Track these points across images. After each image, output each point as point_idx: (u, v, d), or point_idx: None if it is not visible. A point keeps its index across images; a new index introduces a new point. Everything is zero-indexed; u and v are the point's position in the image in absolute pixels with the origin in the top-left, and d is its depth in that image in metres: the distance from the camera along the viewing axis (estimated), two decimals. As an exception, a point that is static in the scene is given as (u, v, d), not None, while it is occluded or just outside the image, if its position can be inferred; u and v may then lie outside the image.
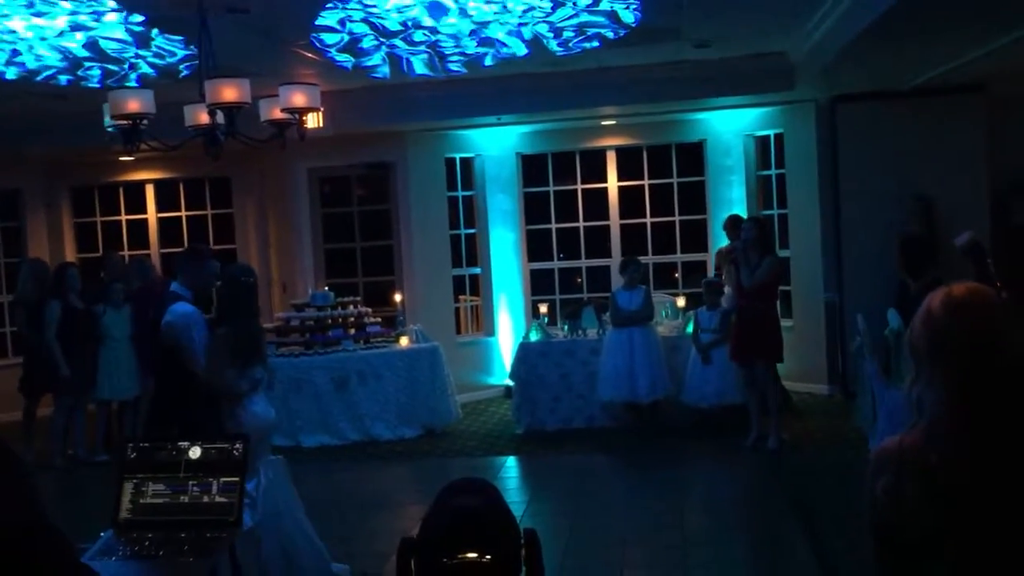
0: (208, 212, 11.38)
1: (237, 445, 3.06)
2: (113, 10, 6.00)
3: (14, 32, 6.34)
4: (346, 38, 6.98)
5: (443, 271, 10.51)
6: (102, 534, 2.98)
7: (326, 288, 9.84)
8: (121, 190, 11.49)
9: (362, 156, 10.41)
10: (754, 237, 7.70)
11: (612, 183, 10.78)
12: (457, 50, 7.57)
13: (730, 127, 10.34)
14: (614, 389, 8.40)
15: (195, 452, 3.06)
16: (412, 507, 6.87)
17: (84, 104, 7.95)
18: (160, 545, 2.88)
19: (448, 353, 9.31)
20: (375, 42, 7.12)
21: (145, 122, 5.33)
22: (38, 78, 7.61)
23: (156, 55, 7.03)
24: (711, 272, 9.93)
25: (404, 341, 9.13)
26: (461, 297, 10.84)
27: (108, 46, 6.75)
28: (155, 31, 6.53)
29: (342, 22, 6.57)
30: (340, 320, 9.14)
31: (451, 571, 1.96)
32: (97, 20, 6.20)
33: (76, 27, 6.22)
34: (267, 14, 6.28)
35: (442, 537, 2.21)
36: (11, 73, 7.61)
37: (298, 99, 5.48)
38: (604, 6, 6.44)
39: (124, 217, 11.53)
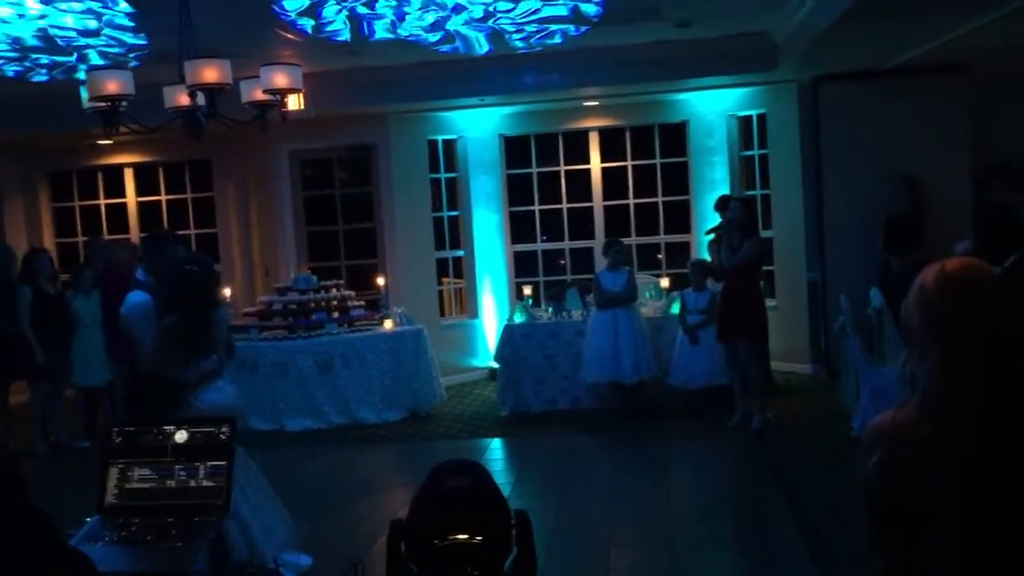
0: (188, 196, 11.29)
1: (224, 428, 3.04)
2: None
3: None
4: (306, 3, 6.86)
5: (426, 254, 10.47)
6: (87, 520, 2.96)
7: (308, 271, 9.79)
8: (100, 174, 11.37)
9: (344, 138, 10.33)
10: (740, 218, 7.72)
11: (595, 164, 10.76)
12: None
13: (713, 107, 10.33)
14: (599, 370, 8.41)
15: (181, 436, 3.04)
16: (397, 490, 6.87)
17: (61, 86, 7.86)
18: (147, 530, 2.86)
19: (432, 336, 9.29)
20: (335, 7, 6.99)
21: (124, 104, 5.25)
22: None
23: (105, 45, 6.91)
24: (695, 253, 9.96)
25: (388, 324, 9.10)
26: (445, 279, 10.82)
27: (57, 35, 6.63)
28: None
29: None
30: (323, 304, 9.10)
31: (442, 553, 1.95)
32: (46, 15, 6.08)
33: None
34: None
35: (432, 519, 2.21)
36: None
37: (280, 80, 5.42)
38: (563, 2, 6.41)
39: (103, 201, 11.42)
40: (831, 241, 9.40)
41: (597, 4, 6.82)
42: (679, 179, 10.61)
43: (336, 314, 9.09)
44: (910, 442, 1.75)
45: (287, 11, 6.66)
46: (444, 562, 1.94)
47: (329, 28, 7.28)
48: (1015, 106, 9.04)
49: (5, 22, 6.43)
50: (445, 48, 7.88)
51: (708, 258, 8.90)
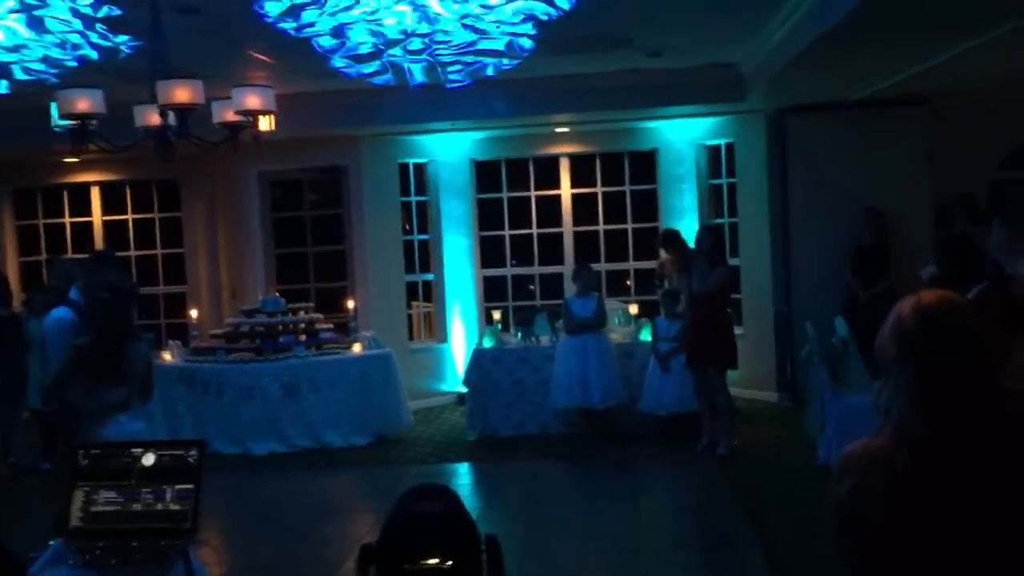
0: (156, 216, 11.19)
1: (192, 452, 3.00)
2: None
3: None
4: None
5: (396, 277, 10.45)
6: (51, 542, 2.91)
7: (277, 294, 9.73)
8: (65, 192, 11.25)
9: (315, 160, 10.32)
10: (707, 246, 7.79)
11: (565, 190, 10.82)
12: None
13: (682, 136, 10.46)
14: (567, 396, 8.42)
15: (148, 459, 3.00)
16: (364, 514, 6.82)
17: (28, 102, 7.77)
18: (112, 554, 2.81)
19: (400, 360, 9.25)
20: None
21: (94, 122, 5.22)
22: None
23: (101, 36, 6.84)
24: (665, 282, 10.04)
25: (356, 347, 9.06)
26: (414, 303, 10.80)
27: (52, 25, 6.55)
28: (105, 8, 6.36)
29: (341, 29, 6.49)
30: (291, 326, 9.04)
31: (413, 577, 1.95)
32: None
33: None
34: (217, 14, 6.19)
35: (403, 543, 2.20)
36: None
37: (252, 101, 5.42)
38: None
39: (68, 220, 11.28)
40: (797, 270, 9.52)
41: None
42: (648, 206, 10.70)
43: (304, 337, 9.02)
44: (884, 470, 1.77)
45: (267, 12, 6.63)
46: (415, 587, 1.93)
47: (310, 30, 7.30)
48: (975, 139, 9.26)
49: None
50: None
51: (668, 286, 8.99)
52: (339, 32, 6.65)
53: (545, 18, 6.92)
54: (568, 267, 10.25)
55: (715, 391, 7.78)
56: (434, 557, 2.09)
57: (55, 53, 6.91)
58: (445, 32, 6.75)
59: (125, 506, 2.96)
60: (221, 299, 10.81)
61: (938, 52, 6.99)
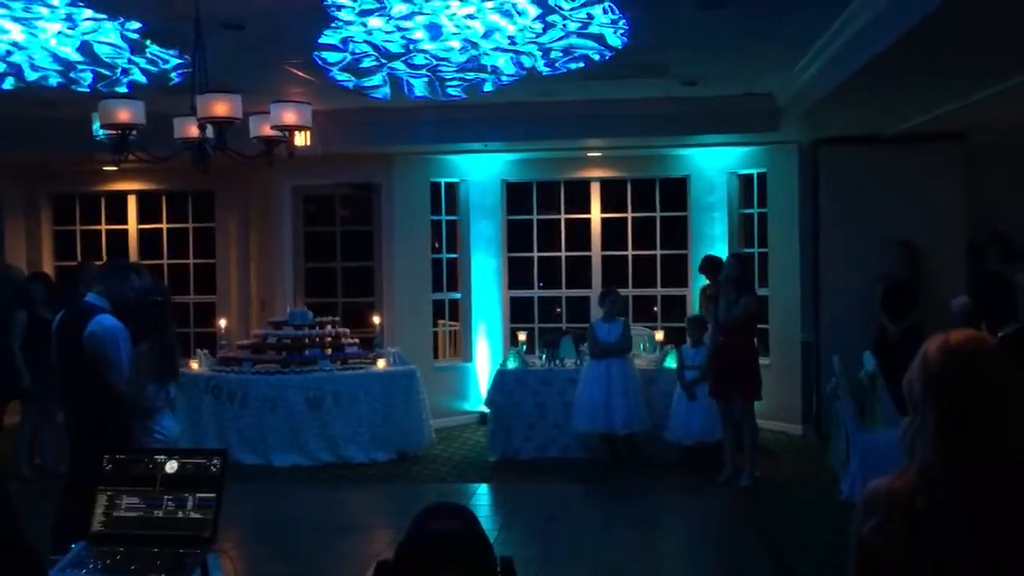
0: (190, 225, 11.33)
1: (215, 460, 3.03)
2: (109, 19, 6.00)
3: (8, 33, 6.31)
4: (348, 58, 7.02)
5: (423, 295, 10.50)
6: (73, 545, 2.95)
7: (305, 307, 9.80)
8: (103, 199, 11.42)
9: (348, 176, 10.42)
10: (736, 275, 7.77)
11: (595, 214, 10.84)
12: (457, 75, 7.61)
13: (714, 164, 10.45)
14: (590, 420, 8.40)
15: (172, 466, 3.03)
16: (382, 531, 6.83)
17: (70, 111, 7.92)
18: (132, 559, 2.85)
19: (424, 377, 9.28)
20: (375, 63, 7.14)
21: (134, 132, 5.31)
22: (30, 79, 7.56)
23: (150, 61, 7.01)
24: (691, 308, 10.01)
25: (381, 363, 9.09)
26: (440, 322, 10.83)
27: (102, 51, 6.73)
28: (148, 40, 6.53)
29: (344, 42, 6.59)
30: (317, 339, 9.10)
31: (427, 596, 1.96)
32: (95, 30, 6.18)
33: (71, 26, 6.18)
34: (261, 32, 6.30)
35: (418, 561, 2.21)
36: (7, 84, 7.58)
37: (289, 117, 5.49)
38: (593, 29, 6.50)
39: (104, 227, 11.45)
40: (826, 302, 9.46)
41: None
42: (678, 233, 10.69)
43: (330, 351, 9.08)
44: (906, 511, 1.76)
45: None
46: (429, 606, 1.94)
47: (368, 83, 7.47)
48: (1011, 176, 9.17)
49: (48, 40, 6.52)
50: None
51: (698, 312, 8.97)
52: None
53: (598, 58, 6.99)
54: (595, 291, 10.24)
55: (742, 421, 7.72)
56: (449, 576, 2.09)
57: (104, 71, 7.09)
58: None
59: (147, 512, 2.99)
60: (250, 310, 10.91)
61: (976, 90, 6.95)
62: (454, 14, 6.04)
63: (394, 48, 6.77)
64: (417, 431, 8.98)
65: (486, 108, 8.91)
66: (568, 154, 10.55)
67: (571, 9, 5.97)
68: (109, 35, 6.32)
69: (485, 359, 10.75)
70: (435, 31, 6.36)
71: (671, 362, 8.72)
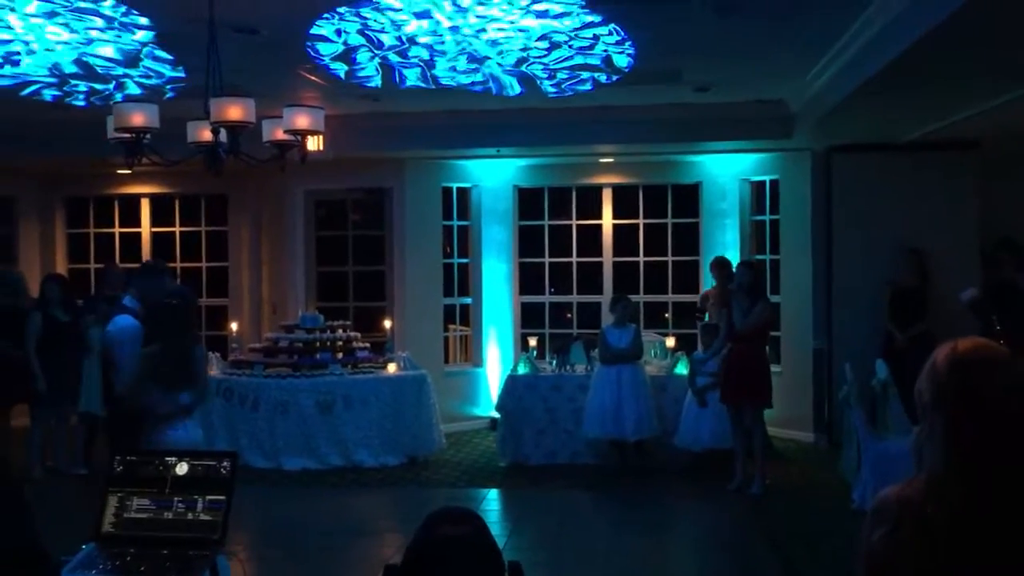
0: (203, 229, 11.38)
1: (225, 463, 3.04)
2: (132, 24, 6.03)
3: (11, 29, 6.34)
4: (340, 48, 7.00)
5: (434, 299, 10.51)
6: (83, 546, 2.96)
7: (316, 311, 9.83)
8: (116, 203, 11.49)
9: (360, 181, 10.45)
10: (748, 281, 7.74)
11: (607, 220, 10.83)
12: (450, 72, 7.61)
13: (726, 171, 10.43)
14: (600, 426, 8.38)
15: (182, 468, 3.04)
16: (391, 535, 6.83)
17: (84, 114, 7.99)
18: (142, 561, 2.85)
19: (435, 382, 9.28)
20: (369, 54, 7.13)
21: (148, 136, 5.33)
22: (24, 92, 7.58)
23: (143, 75, 7.04)
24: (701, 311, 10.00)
25: (392, 368, 9.10)
26: (451, 326, 10.84)
27: (97, 63, 6.76)
28: (144, 51, 6.55)
29: (338, 32, 6.59)
30: (328, 343, 9.11)
31: (435, 600, 1.95)
32: (119, 35, 6.21)
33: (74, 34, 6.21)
34: (275, 36, 6.33)
35: (426, 566, 2.20)
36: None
37: (302, 121, 5.50)
38: (599, 50, 6.52)
39: (118, 230, 11.51)
40: (839, 310, 9.42)
41: (629, 56, 6.93)
42: (690, 240, 10.67)
43: (341, 355, 9.09)
44: (915, 519, 1.75)
45: (322, 55, 6.78)
46: (437, 610, 1.94)
47: (361, 74, 7.41)
48: (1024, 185, 9.13)
49: (49, 50, 6.56)
50: (478, 89, 8.00)
51: (708, 319, 8.95)
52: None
53: (604, 79, 6.98)
54: (606, 297, 10.23)
55: (752, 428, 7.70)
56: (457, 581, 2.08)
57: (99, 86, 7.13)
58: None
59: (157, 514, 3.00)
60: (262, 313, 10.94)
61: (990, 97, 6.93)
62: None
63: (388, 41, 6.74)
64: (427, 436, 8.98)
65: (498, 113, 8.92)
66: (580, 160, 10.55)
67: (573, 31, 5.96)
68: (106, 48, 6.34)
69: (496, 364, 10.75)
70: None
71: (682, 368, 8.70)
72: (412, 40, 6.54)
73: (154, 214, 11.44)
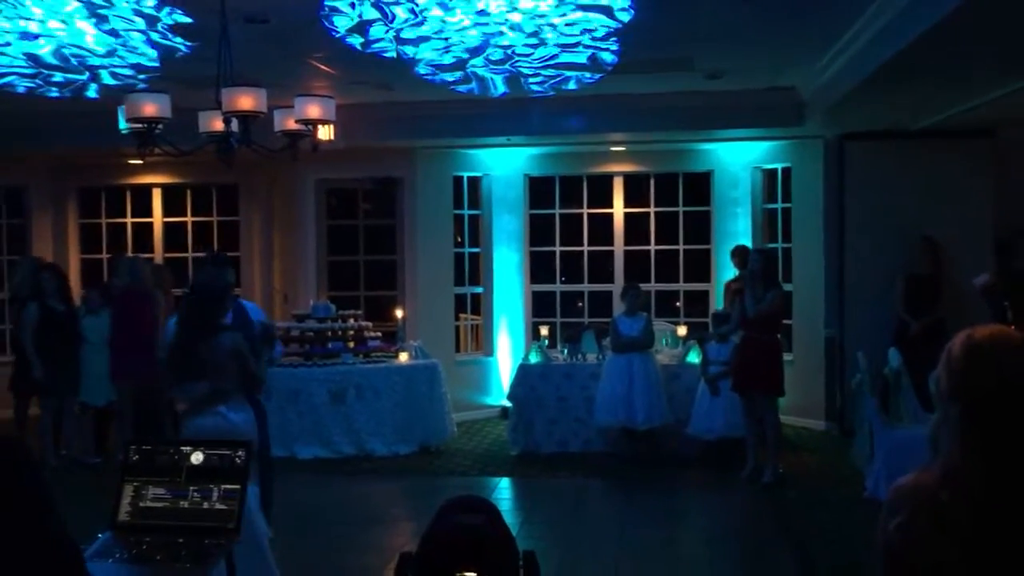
0: (214, 218, 11.41)
1: (239, 452, 3.06)
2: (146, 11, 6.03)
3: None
4: (355, 21, 6.97)
5: (445, 289, 10.52)
6: (100, 535, 2.98)
7: (328, 300, 9.85)
8: (128, 193, 11.52)
9: (371, 170, 10.44)
10: (760, 269, 7.72)
11: (618, 209, 10.81)
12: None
13: (738, 159, 10.39)
14: (611, 415, 8.38)
15: (197, 458, 3.06)
16: (404, 523, 6.86)
17: (97, 104, 8.00)
18: (158, 550, 2.87)
19: (446, 371, 9.30)
20: (455, 60, 7.13)
21: (160, 127, 5.35)
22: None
23: (119, 65, 7.02)
24: (715, 304, 9.97)
25: (403, 357, 9.12)
26: (462, 315, 10.85)
27: (73, 54, 6.74)
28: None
29: (352, 5, 6.56)
30: (340, 333, 9.14)
31: (450, 588, 1.96)
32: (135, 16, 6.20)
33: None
34: (286, 26, 6.32)
35: (441, 554, 2.22)
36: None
37: (313, 110, 5.51)
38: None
39: (130, 220, 11.55)
40: (851, 298, 9.38)
41: (614, 53, 6.91)
42: (701, 228, 10.64)
43: (352, 344, 9.12)
44: (930, 507, 1.75)
45: (336, 27, 6.73)
46: (452, 598, 1.95)
47: (377, 46, 7.37)
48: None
49: (30, 38, 6.55)
50: (462, 88, 8.00)
51: (722, 308, 8.93)
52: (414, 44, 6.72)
53: (604, 31, 6.92)
54: (618, 286, 10.22)
55: (764, 416, 7.69)
56: (472, 570, 2.10)
57: (117, 54, 7.09)
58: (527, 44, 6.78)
59: (173, 503, 3.02)
60: (273, 303, 10.97)
61: (1007, 82, 6.87)
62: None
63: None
64: (439, 424, 9.01)
65: (509, 103, 8.90)
66: (591, 148, 10.52)
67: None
68: (85, 38, 6.33)
69: (507, 353, 10.76)
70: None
71: (693, 357, 8.69)
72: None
73: (166, 204, 11.46)
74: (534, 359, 9.04)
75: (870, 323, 8.99)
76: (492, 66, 7.38)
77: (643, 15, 6.02)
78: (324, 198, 10.81)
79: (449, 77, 7.71)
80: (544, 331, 9.73)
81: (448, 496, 2.37)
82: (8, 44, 6.62)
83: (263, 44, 6.61)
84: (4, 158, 10.62)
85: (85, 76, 7.36)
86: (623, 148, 10.57)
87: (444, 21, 6.27)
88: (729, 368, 7.98)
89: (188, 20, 6.14)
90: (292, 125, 5.66)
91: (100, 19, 6.19)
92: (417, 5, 6.09)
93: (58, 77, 7.43)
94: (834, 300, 9.52)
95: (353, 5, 6.31)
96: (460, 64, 7.28)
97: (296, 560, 5.94)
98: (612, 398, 8.35)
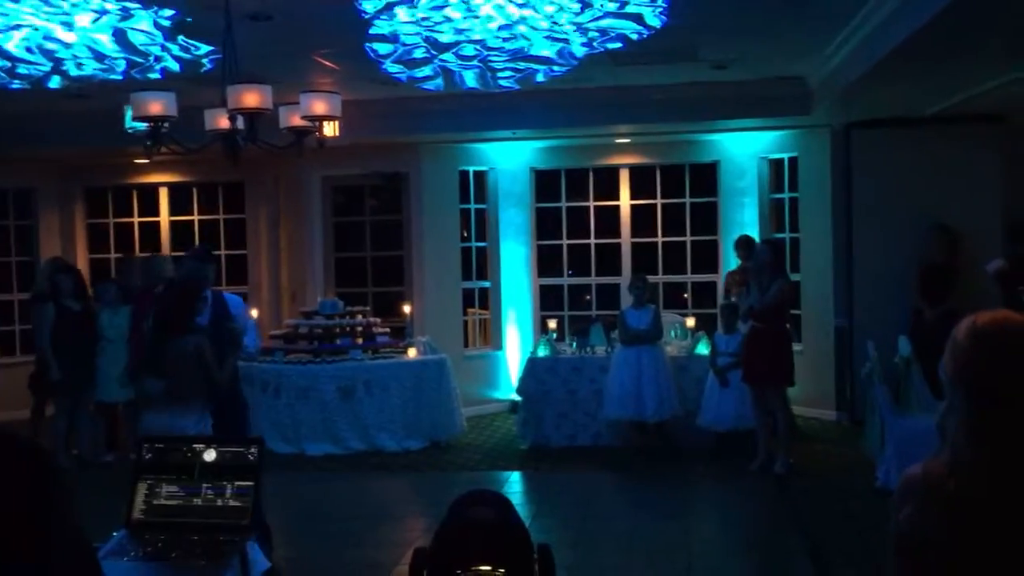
0: (221, 217, 11.41)
1: (252, 449, 3.06)
2: (143, 7, 6.02)
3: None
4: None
5: (453, 283, 10.51)
6: (114, 533, 2.98)
7: (335, 296, 9.85)
8: (135, 192, 11.53)
9: (377, 166, 10.44)
10: (767, 260, 7.69)
11: (624, 201, 10.79)
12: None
13: (744, 149, 10.36)
14: (620, 407, 8.37)
15: (210, 455, 3.06)
16: (416, 519, 6.87)
17: (102, 104, 8.00)
18: (172, 547, 2.88)
19: (455, 366, 9.30)
20: (427, 55, 7.11)
21: (166, 125, 5.34)
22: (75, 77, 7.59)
23: (182, 48, 7.01)
24: (720, 294, 9.95)
25: (412, 352, 9.12)
26: (470, 310, 10.84)
27: (135, 38, 6.73)
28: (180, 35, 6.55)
29: (395, 35, 6.57)
30: (348, 329, 9.14)
31: (465, 583, 1.96)
32: (126, 18, 6.20)
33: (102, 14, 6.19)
34: (290, 23, 6.31)
35: (456, 548, 2.21)
36: (54, 82, 7.63)
37: (318, 107, 5.50)
38: (630, 9, 6.43)
39: (137, 219, 11.57)
40: (860, 287, 9.34)
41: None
42: (708, 219, 10.61)
43: (361, 340, 9.12)
44: (939, 496, 1.74)
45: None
46: (467, 592, 1.94)
47: (420, 74, 7.44)
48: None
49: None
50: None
51: (724, 299, 8.91)
52: (396, 37, 6.72)
53: (635, 37, 6.90)
54: (625, 278, 10.21)
55: (775, 407, 7.67)
56: (487, 564, 2.09)
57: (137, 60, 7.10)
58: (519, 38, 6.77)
59: (186, 500, 3.02)
60: (281, 300, 10.98)
61: (1015, 68, 6.82)
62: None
63: (444, 40, 6.72)
64: (448, 419, 9.01)
65: (514, 96, 8.88)
66: (597, 141, 10.50)
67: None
68: (142, 23, 6.33)
69: (515, 347, 10.75)
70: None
71: (702, 349, 8.67)
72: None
73: (172, 203, 11.47)
74: (542, 353, 9.03)
75: (880, 312, 8.94)
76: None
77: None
78: (330, 194, 10.81)
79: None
80: (552, 324, 9.72)
81: (458, 491, 2.37)
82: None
83: (267, 41, 6.60)
84: (11, 160, 10.64)
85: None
86: (629, 140, 10.54)
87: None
88: (738, 359, 7.96)
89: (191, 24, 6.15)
90: (298, 122, 5.65)
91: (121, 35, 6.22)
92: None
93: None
94: (843, 289, 9.48)
95: (396, 36, 6.30)
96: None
97: (306, 556, 5.96)
98: (621, 391, 8.34)
